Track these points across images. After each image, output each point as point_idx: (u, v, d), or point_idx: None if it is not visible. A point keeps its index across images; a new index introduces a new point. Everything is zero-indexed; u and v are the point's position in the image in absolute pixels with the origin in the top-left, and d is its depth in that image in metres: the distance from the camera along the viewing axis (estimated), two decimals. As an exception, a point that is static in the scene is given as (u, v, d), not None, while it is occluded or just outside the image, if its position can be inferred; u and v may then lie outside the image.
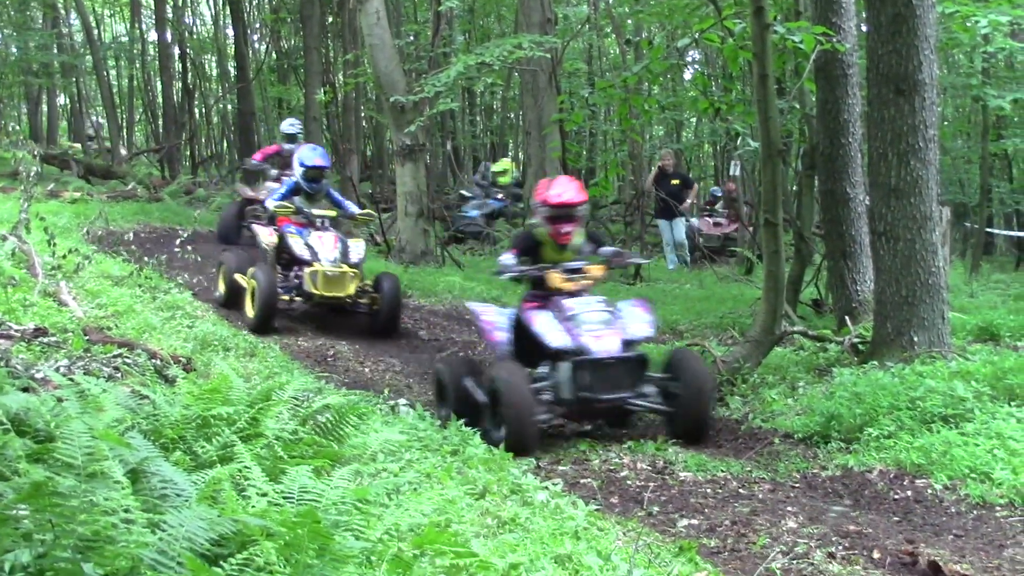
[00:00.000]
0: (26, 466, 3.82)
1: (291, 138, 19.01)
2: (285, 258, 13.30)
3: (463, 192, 27.10)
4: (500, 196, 25.08)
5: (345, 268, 12.92)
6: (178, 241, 14.59)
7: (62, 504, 3.52)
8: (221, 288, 13.64)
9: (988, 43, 17.23)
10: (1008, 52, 19.45)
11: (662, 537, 6.04)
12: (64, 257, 11.16)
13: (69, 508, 3.51)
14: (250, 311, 12.62)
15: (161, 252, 14.29)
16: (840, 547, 5.83)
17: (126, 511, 3.61)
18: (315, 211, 13.37)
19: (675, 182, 21.88)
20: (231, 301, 13.25)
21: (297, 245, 13.02)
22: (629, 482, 7.50)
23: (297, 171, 13.69)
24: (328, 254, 12.98)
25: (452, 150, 34.26)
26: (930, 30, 9.45)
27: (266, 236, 13.54)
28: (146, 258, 13.51)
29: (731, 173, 23.94)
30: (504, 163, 27.74)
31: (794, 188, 15.31)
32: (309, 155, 13.86)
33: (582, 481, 7.50)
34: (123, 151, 35.87)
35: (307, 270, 12.80)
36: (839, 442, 8.12)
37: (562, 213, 9.15)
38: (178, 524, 3.58)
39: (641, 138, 24.44)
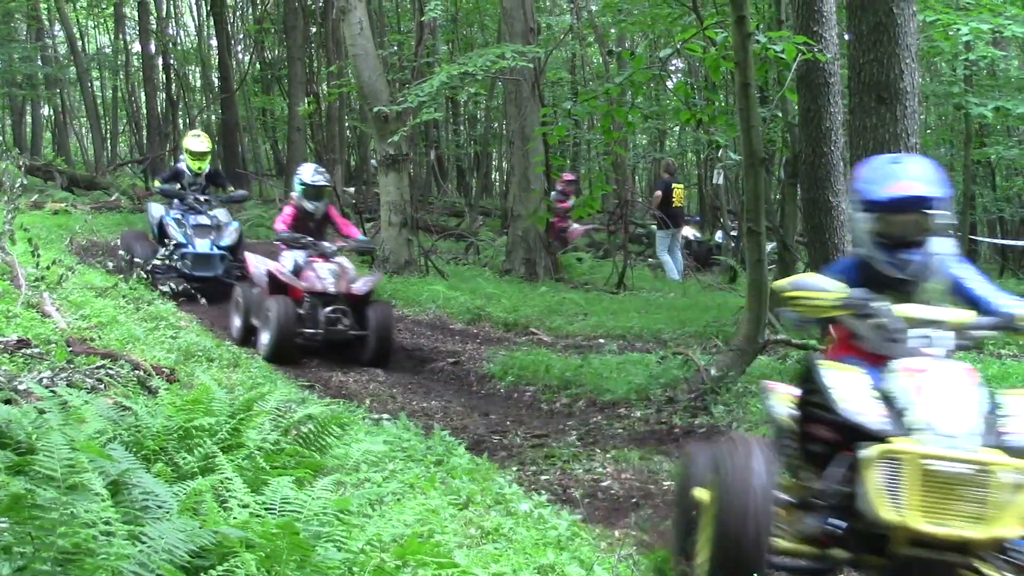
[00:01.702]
0: (6, 478, 3.81)
1: (315, 193, 13.25)
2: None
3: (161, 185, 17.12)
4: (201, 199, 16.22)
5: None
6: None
7: (42, 516, 3.50)
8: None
9: (970, 51, 17.32)
10: (990, 60, 19.53)
11: (646, 546, 6.04)
12: (48, 268, 11.12)
13: (49, 520, 3.50)
14: None
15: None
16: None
17: (106, 523, 3.60)
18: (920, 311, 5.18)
19: None
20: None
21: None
22: (613, 492, 7.50)
23: (862, 227, 5.38)
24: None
25: (436, 160, 34.27)
26: (911, 39, 9.49)
27: (841, 387, 4.94)
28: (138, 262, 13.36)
29: (714, 182, 23.88)
30: (202, 139, 17.29)
31: (777, 197, 15.34)
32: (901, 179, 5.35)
33: (566, 491, 7.50)
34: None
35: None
36: (823, 450, 8.10)
37: None
38: (158, 536, 3.57)
39: (624, 149, 24.46)
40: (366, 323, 12.46)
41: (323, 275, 12.58)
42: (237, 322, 13.09)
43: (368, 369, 11.95)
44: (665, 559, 5.62)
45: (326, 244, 13.00)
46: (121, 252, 14.52)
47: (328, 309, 12.43)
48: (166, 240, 15.55)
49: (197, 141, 16.89)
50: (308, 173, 13.43)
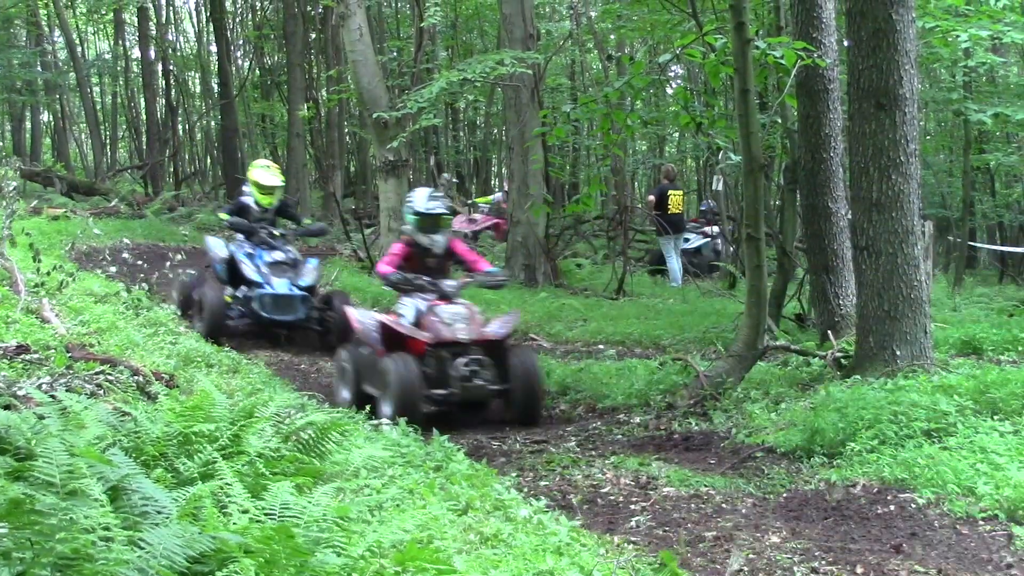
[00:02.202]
0: (5, 484, 3.81)
1: (432, 224, 10.86)
2: None
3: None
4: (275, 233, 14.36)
5: None
6: (168, 264, 14.51)
7: (41, 522, 3.51)
8: None
9: (969, 58, 17.34)
10: (989, 67, 19.56)
11: (645, 552, 6.03)
12: (48, 274, 11.13)
13: (48, 526, 3.50)
14: None
15: (151, 268, 14.21)
16: (823, 562, 5.83)
17: (105, 529, 3.60)
18: None
19: None
20: None
21: None
22: (612, 497, 7.50)
23: None
24: None
25: (435, 165, 34.30)
26: (910, 45, 9.48)
27: None
28: (143, 275, 13.32)
29: (714, 188, 23.87)
30: (272, 171, 15.09)
31: (776, 203, 15.35)
32: None
33: (565, 497, 7.50)
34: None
35: None
36: (822, 456, 8.11)
37: None
38: (157, 542, 3.57)
39: (624, 153, 24.48)
40: (508, 374, 10.15)
41: (448, 319, 10.22)
42: (346, 393, 10.64)
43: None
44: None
45: (446, 283, 10.66)
46: (179, 290, 13.68)
47: (460, 361, 10.02)
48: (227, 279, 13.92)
49: (267, 174, 14.60)
50: (422, 200, 10.91)
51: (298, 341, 13.91)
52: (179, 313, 12.22)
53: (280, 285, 13.55)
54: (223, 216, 14.79)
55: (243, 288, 13.61)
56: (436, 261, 10.82)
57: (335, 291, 14.69)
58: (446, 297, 10.49)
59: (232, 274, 13.84)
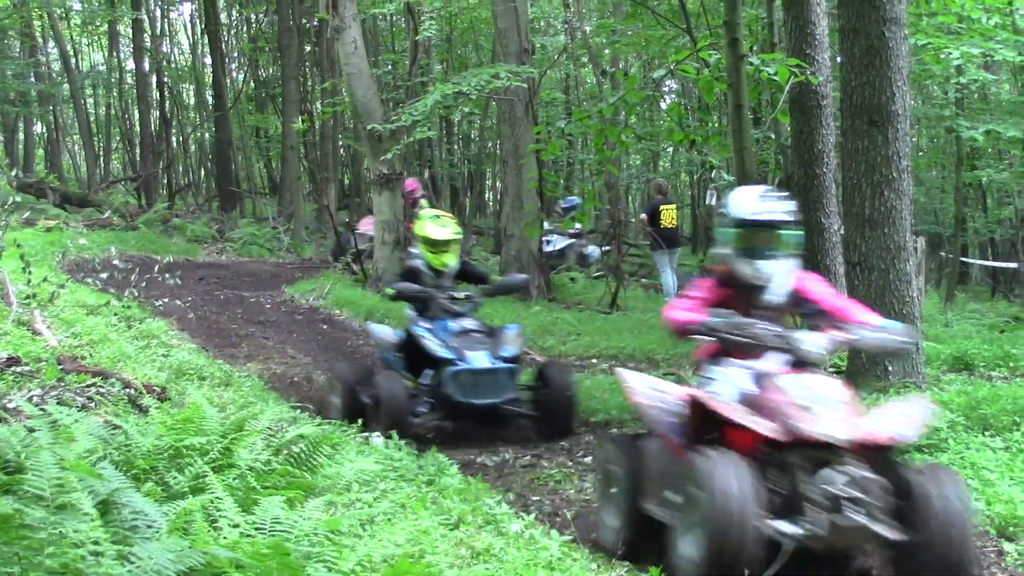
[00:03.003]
0: (-5, 498, 3.80)
1: (761, 241, 6.37)
2: None
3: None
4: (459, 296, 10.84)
5: None
6: (156, 268, 14.41)
7: (30, 536, 3.50)
8: None
9: (961, 75, 17.42)
10: (981, 84, 19.62)
11: (637, 567, 6.03)
12: (39, 285, 11.10)
13: (37, 540, 3.49)
14: None
15: (140, 279, 14.04)
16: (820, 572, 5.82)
17: (95, 543, 3.59)
18: None
19: None
20: None
21: None
22: (604, 512, 7.48)
23: None
24: None
25: (430, 179, 34.32)
26: (903, 62, 9.51)
27: None
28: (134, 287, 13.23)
29: (708, 202, 23.89)
30: (444, 221, 11.31)
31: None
32: None
33: (558, 511, 7.49)
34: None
35: None
36: (814, 472, 8.11)
37: None
38: (147, 556, 3.56)
39: (617, 168, 24.52)
40: (914, 509, 5.60)
41: (805, 400, 5.79)
42: (613, 518, 6.79)
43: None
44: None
45: (806, 340, 6.22)
46: (340, 391, 10.51)
47: (827, 476, 5.59)
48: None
49: (438, 227, 10.99)
50: (749, 201, 6.53)
51: (509, 434, 10.48)
52: (346, 420, 9.29)
53: (477, 359, 10.16)
54: (389, 291, 11.41)
55: (428, 372, 10.38)
56: (772, 313, 6.52)
57: (549, 361, 12.06)
58: (799, 362, 6.24)
59: (411, 360, 10.55)
